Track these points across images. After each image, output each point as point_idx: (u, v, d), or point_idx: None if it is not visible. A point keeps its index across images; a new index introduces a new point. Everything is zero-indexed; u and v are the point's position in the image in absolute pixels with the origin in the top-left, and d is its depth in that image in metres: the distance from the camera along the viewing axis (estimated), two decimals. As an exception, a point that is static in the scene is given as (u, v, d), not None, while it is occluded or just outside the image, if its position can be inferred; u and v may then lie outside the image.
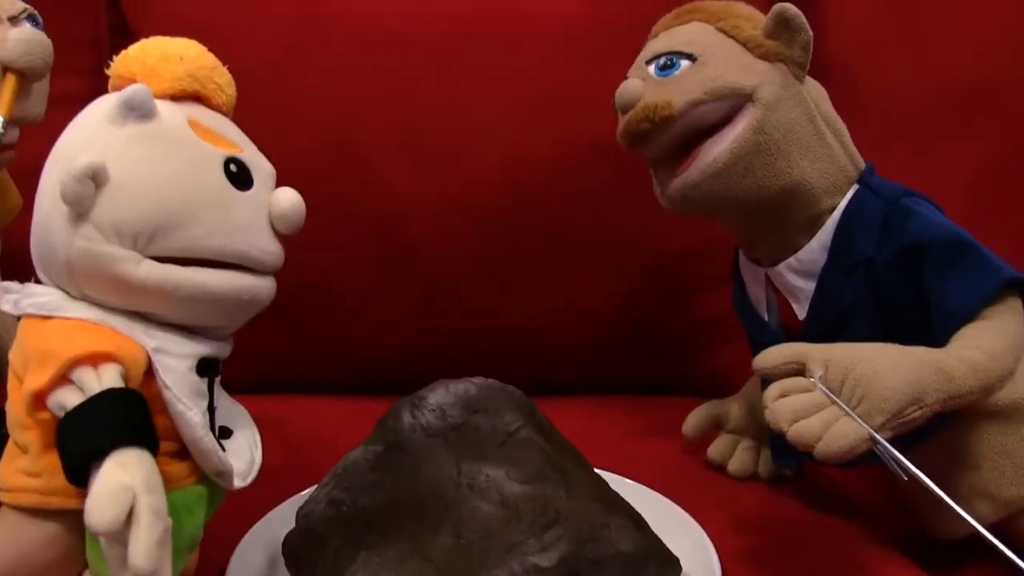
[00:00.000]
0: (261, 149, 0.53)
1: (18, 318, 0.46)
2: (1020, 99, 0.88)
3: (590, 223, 0.86)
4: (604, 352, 0.91)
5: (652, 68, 0.60)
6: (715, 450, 0.72)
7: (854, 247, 0.58)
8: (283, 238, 0.51)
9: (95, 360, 0.42)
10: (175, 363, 0.46)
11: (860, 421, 0.46)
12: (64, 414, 0.41)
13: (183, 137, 0.47)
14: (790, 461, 0.68)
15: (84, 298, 0.46)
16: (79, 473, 0.40)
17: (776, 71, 0.59)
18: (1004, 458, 0.55)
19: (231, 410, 0.53)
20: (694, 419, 0.74)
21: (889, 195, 0.58)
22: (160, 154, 0.46)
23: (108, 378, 0.42)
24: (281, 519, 0.56)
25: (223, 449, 0.48)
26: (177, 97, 0.49)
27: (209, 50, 0.52)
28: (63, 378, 0.41)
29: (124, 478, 0.39)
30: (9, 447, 0.46)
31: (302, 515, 0.51)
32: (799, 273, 0.61)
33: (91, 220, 0.44)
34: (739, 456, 0.71)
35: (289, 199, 0.51)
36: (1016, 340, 0.52)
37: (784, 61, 0.59)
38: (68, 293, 0.46)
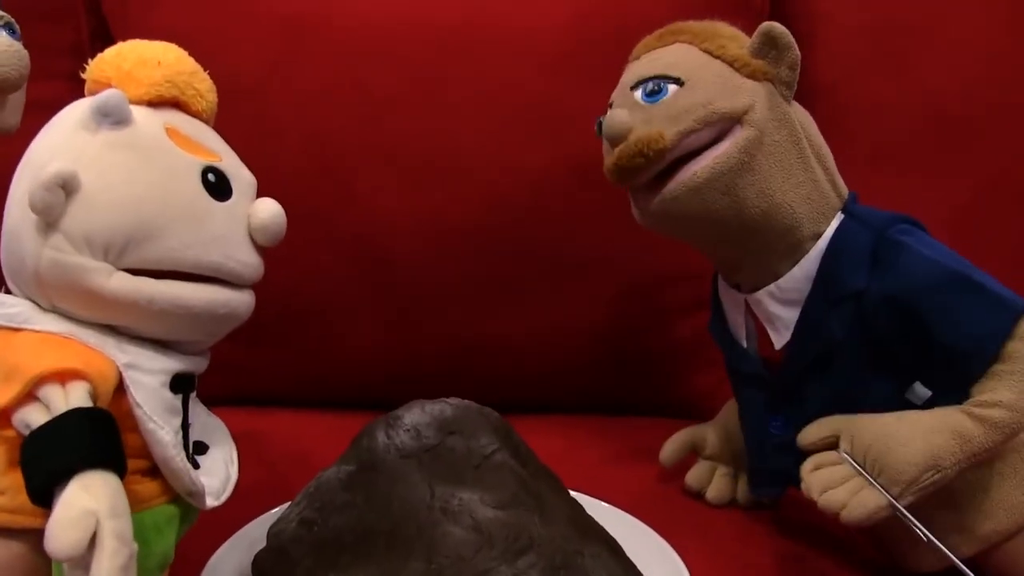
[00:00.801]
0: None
1: None
2: (1006, 124, 0.89)
3: (571, 243, 0.85)
4: (583, 372, 0.90)
5: (639, 94, 0.59)
6: (693, 477, 0.72)
7: (842, 280, 0.57)
8: (263, 250, 0.50)
9: (63, 377, 0.41)
10: (147, 379, 0.45)
11: (882, 490, 0.51)
12: (29, 433, 0.40)
13: (159, 145, 0.46)
14: (766, 491, 0.67)
15: (55, 310, 0.45)
16: (43, 495, 0.38)
17: (764, 90, 0.58)
18: (981, 493, 0.55)
19: (208, 424, 0.52)
20: (671, 446, 0.73)
21: (877, 225, 0.58)
22: (135, 162, 0.45)
23: (75, 397, 0.40)
24: (253, 537, 0.55)
25: (197, 466, 0.47)
26: (154, 103, 0.48)
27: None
28: (29, 395, 0.40)
29: (88, 502, 0.37)
30: None
31: (273, 534, 0.50)
32: (780, 301, 0.60)
33: (61, 230, 0.43)
34: (717, 483, 0.70)
35: (269, 210, 0.49)
36: None
37: (772, 81, 0.58)
38: (38, 304, 0.45)
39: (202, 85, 0.51)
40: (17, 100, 0.60)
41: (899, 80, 0.90)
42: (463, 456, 0.49)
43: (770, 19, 0.59)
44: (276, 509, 0.57)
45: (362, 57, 0.83)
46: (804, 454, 0.56)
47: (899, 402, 0.56)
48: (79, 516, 0.37)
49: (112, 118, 0.45)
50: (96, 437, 0.40)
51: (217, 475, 0.49)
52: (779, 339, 0.60)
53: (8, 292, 0.47)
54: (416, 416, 0.51)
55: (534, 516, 0.46)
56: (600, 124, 0.61)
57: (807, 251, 0.59)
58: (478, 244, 0.84)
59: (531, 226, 0.84)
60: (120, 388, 0.43)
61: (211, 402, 0.53)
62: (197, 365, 0.50)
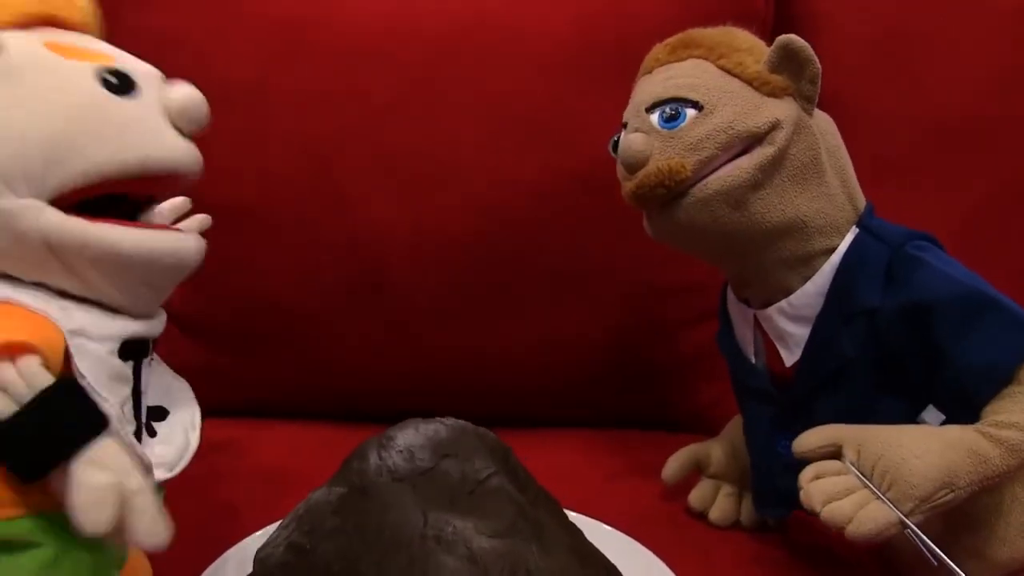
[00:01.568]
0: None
1: None
2: (1012, 135, 0.88)
3: (572, 254, 0.84)
4: (584, 386, 0.89)
5: (655, 118, 0.57)
6: (696, 497, 0.70)
7: (855, 296, 0.56)
8: (192, 139, 0.47)
9: (12, 351, 0.38)
10: (94, 347, 0.42)
11: (891, 505, 0.48)
12: (9, 419, 0.38)
13: (41, 61, 0.43)
14: (772, 511, 0.65)
15: None
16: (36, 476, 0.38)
17: (785, 107, 0.56)
18: (998, 518, 0.53)
19: (171, 388, 0.50)
20: (674, 464, 0.72)
21: (893, 240, 0.56)
22: (20, 84, 0.42)
23: (30, 373, 0.38)
24: (240, 557, 0.54)
25: (154, 434, 0.45)
26: (27, 25, 0.45)
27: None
28: None
29: (102, 478, 0.38)
30: None
31: (259, 558, 0.48)
32: (791, 318, 0.58)
33: None
34: (720, 504, 0.69)
35: (183, 91, 0.46)
36: None
37: (792, 95, 0.57)
38: None
39: None
40: None
41: (903, 90, 0.89)
42: (458, 481, 0.47)
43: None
44: (262, 531, 0.56)
45: (358, 61, 0.81)
46: (802, 463, 0.53)
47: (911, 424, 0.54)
48: (102, 494, 0.37)
49: None
50: (81, 409, 0.39)
51: (174, 443, 0.47)
52: (790, 357, 0.59)
53: None
54: (410, 437, 0.49)
55: (532, 545, 0.44)
56: (615, 143, 0.59)
57: (819, 266, 0.57)
58: (475, 254, 0.82)
59: (530, 236, 0.83)
60: (66, 355, 0.41)
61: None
62: (150, 328, 0.47)
